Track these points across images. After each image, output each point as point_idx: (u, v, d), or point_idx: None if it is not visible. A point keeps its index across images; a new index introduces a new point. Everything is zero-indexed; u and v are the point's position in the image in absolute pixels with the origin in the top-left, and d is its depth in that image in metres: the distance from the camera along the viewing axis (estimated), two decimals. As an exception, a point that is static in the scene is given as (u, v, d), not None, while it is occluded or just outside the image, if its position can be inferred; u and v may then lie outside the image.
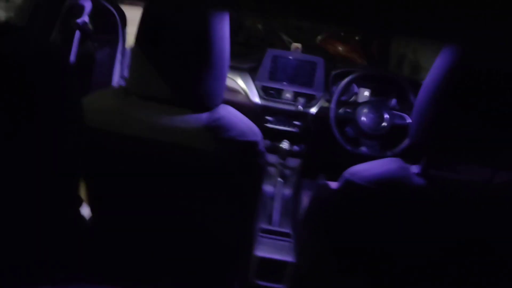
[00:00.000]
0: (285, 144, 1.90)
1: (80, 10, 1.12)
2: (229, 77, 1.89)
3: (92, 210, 1.21)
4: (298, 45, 1.97)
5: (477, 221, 0.82)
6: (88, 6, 1.15)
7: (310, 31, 3.55)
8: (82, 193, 1.14)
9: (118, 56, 1.90)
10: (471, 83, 0.72)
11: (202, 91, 0.90)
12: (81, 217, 1.30)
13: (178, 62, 0.87)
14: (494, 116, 0.73)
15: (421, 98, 0.81)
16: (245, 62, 1.99)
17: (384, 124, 1.73)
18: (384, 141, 1.76)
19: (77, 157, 0.98)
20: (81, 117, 0.90)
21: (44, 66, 0.58)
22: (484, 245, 0.84)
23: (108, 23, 1.78)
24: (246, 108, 1.87)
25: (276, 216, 1.80)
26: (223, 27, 0.89)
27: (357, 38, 3.55)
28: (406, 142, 1.71)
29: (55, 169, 0.67)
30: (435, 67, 0.79)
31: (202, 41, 0.86)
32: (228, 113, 0.96)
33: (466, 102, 0.73)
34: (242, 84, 1.91)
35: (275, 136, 1.96)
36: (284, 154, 1.91)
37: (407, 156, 0.92)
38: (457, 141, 0.76)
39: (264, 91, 1.93)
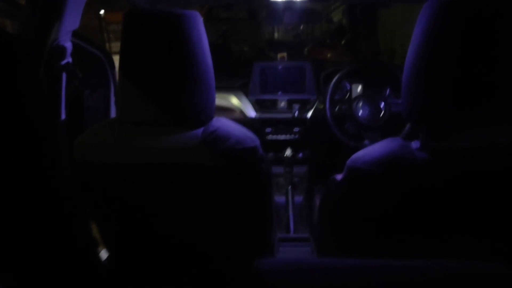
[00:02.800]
0: (288, 152, 1.90)
1: (62, 51, 1.15)
2: (222, 97, 1.91)
3: (108, 247, 1.20)
4: (283, 54, 2.00)
5: (484, 186, 0.80)
6: (69, 47, 1.18)
7: (295, 45, 3.62)
8: (96, 234, 1.14)
9: (112, 98, 1.94)
10: (453, 41, 0.71)
11: (193, 107, 0.91)
12: (99, 258, 1.30)
13: (164, 82, 0.88)
14: (483, 72, 0.71)
15: (406, 72, 0.80)
16: (235, 80, 2.02)
17: (382, 113, 1.72)
18: (386, 130, 1.75)
19: (79, 195, 0.98)
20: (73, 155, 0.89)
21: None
22: (492, 208, 0.81)
23: (96, 68, 1.83)
24: (244, 124, 1.88)
25: (292, 223, 1.78)
26: (201, 39, 0.90)
27: (343, 42, 3.61)
28: (408, 127, 1.70)
29: (62, 212, 0.66)
30: (413, 39, 0.78)
31: (183, 56, 0.87)
32: (222, 124, 0.96)
33: (449, 65, 0.72)
34: (236, 101, 1.93)
35: (277, 147, 1.96)
36: (289, 162, 1.91)
37: (410, 138, 0.91)
38: (449, 106, 0.74)
39: (259, 105, 1.95)
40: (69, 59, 1.21)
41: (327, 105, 1.75)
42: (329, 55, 3.25)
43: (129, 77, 0.89)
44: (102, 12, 7.79)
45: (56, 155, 0.61)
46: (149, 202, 0.99)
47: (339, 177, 0.95)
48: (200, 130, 0.92)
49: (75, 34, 1.25)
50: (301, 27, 4.36)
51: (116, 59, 1.86)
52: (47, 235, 0.66)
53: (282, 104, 1.93)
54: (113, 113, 1.95)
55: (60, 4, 1.12)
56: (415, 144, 0.85)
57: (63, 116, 1.21)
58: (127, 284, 1.17)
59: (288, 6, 2.23)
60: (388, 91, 1.82)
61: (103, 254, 1.35)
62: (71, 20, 1.18)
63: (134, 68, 0.89)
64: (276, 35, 4.38)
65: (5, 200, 0.57)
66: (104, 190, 0.98)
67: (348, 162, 0.89)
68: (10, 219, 0.60)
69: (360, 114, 1.74)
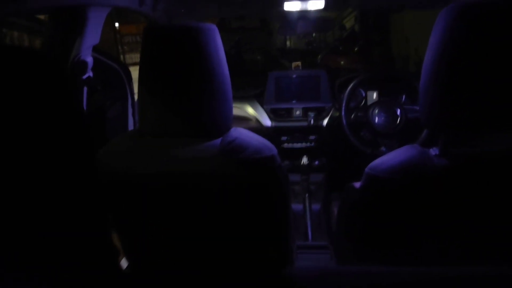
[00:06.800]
0: (304, 160, 1.90)
1: (83, 66, 1.18)
2: (238, 107, 1.93)
3: (128, 256, 1.22)
4: (298, 63, 2.01)
5: (507, 191, 0.79)
6: (90, 61, 1.21)
7: (308, 53, 3.63)
8: (117, 243, 1.16)
9: (130, 109, 1.97)
10: (471, 47, 0.71)
11: (211, 118, 0.92)
12: (120, 266, 1.32)
13: (182, 94, 0.89)
14: (501, 78, 0.70)
15: (424, 78, 0.80)
16: (250, 90, 2.03)
17: (398, 120, 1.72)
18: (402, 137, 1.74)
19: (102, 205, 1.00)
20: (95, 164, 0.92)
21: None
22: None
23: (115, 80, 1.87)
24: (259, 133, 1.89)
25: (310, 231, 1.78)
26: (219, 51, 0.91)
27: (356, 49, 3.61)
28: (425, 133, 1.69)
29: (84, 220, 0.68)
30: (430, 45, 0.78)
31: (201, 68, 0.88)
32: (240, 134, 0.96)
33: (467, 71, 0.72)
34: (251, 111, 1.94)
35: (293, 155, 1.96)
36: (305, 170, 1.91)
37: (427, 144, 0.90)
38: (468, 112, 0.74)
39: (274, 113, 1.95)
40: (90, 73, 1.24)
41: (343, 113, 1.75)
42: (342, 63, 3.25)
43: (149, 90, 0.91)
44: (116, 24, 7.93)
45: (83, 165, 0.63)
46: (169, 211, 0.99)
47: (357, 184, 0.95)
48: (218, 140, 0.93)
49: (95, 48, 1.29)
50: (314, 35, 4.36)
51: (132, 70, 1.90)
52: (69, 243, 0.67)
53: (298, 112, 1.94)
54: (130, 124, 1.98)
55: (82, 20, 1.15)
56: (433, 151, 0.84)
57: (86, 129, 1.23)
58: None
59: (301, 16, 2.24)
60: (403, 98, 1.81)
61: (124, 263, 1.37)
62: (92, 36, 1.21)
63: (153, 81, 0.90)
64: (288, 43, 4.40)
65: (28, 206, 0.58)
66: (125, 200, 0.99)
67: (367, 169, 0.88)
68: (33, 226, 0.61)
69: (376, 121, 1.73)
